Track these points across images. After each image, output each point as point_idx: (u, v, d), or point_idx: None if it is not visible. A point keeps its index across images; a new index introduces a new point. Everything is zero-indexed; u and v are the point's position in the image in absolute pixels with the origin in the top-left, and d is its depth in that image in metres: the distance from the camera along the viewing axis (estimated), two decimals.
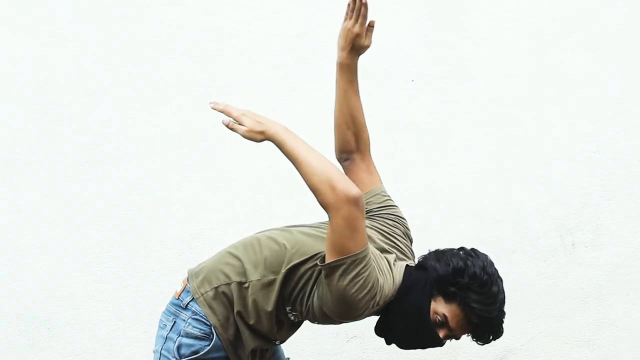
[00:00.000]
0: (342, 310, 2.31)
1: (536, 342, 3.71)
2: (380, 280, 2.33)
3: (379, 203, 2.64)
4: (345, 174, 2.66)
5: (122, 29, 3.71)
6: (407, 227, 2.63)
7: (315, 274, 2.39)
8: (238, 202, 3.68)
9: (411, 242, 2.63)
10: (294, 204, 3.61)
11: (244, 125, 2.27)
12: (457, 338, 2.43)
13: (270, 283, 2.42)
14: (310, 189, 2.23)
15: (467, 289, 2.33)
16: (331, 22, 3.74)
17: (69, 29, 3.71)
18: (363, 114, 2.66)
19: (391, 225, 2.58)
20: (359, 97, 2.64)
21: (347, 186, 2.19)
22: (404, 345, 2.48)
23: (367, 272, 2.26)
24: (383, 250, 2.48)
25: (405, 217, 2.64)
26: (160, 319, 2.54)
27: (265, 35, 3.72)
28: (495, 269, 2.39)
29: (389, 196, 2.67)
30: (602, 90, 3.72)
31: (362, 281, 2.25)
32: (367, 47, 2.59)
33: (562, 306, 3.70)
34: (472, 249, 2.43)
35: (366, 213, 2.59)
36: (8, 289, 3.67)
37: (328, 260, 2.26)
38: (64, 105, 3.69)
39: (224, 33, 3.72)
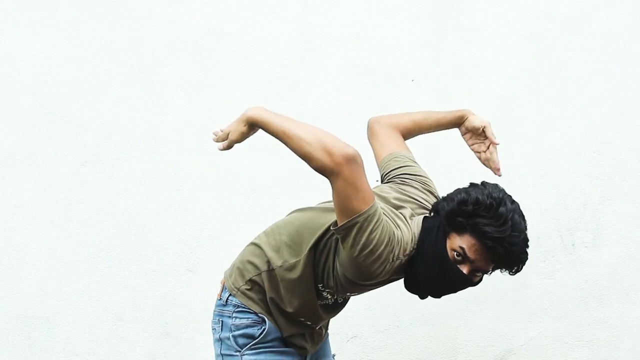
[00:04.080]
0: (364, 271, 2.28)
1: (536, 342, 3.71)
2: (397, 233, 2.30)
3: (397, 165, 2.63)
4: (372, 135, 2.75)
5: (122, 29, 3.71)
6: (427, 183, 2.60)
7: (333, 244, 2.38)
8: (238, 202, 3.68)
9: (438, 198, 2.59)
10: (294, 204, 3.61)
11: (232, 137, 2.43)
12: (485, 271, 2.36)
13: (294, 266, 2.43)
14: (304, 158, 2.22)
15: (473, 215, 2.29)
16: (331, 22, 3.74)
17: (69, 29, 3.71)
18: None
19: (406, 182, 2.57)
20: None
21: (342, 147, 2.18)
22: (436, 292, 2.43)
23: (380, 227, 2.24)
24: (397, 207, 2.45)
25: (428, 176, 2.62)
26: (211, 326, 2.59)
27: (265, 35, 3.72)
28: (504, 194, 2.34)
29: (410, 159, 2.67)
30: (602, 90, 3.72)
31: (377, 236, 2.23)
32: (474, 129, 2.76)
33: (562, 306, 3.70)
34: (482, 182, 2.41)
35: (384, 176, 2.63)
36: (8, 289, 3.67)
37: (340, 224, 2.25)
38: (64, 105, 3.69)
39: (224, 33, 3.72)
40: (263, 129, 2.32)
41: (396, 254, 2.30)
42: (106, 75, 3.70)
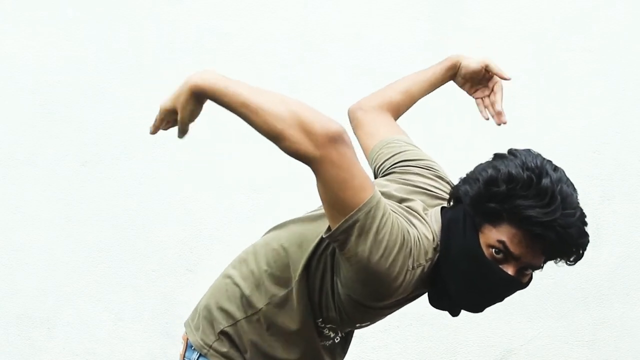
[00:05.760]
0: (378, 287, 1.73)
1: (536, 342, 3.71)
2: (412, 232, 1.76)
3: (392, 153, 2.10)
4: (357, 126, 2.23)
5: (122, 29, 3.71)
6: (434, 168, 2.06)
7: (329, 260, 1.83)
8: (238, 202, 3.68)
9: (450, 185, 2.04)
10: (294, 205, 3.61)
11: (182, 117, 1.90)
12: (536, 267, 1.80)
13: (285, 300, 1.89)
14: (273, 138, 1.68)
15: (509, 197, 1.73)
16: (331, 22, 3.74)
17: (69, 29, 3.71)
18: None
19: (408, 171, 2.03)
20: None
21: (324, 123, 1.67)
22: (475, 305, 1.89)
23: (389, 222, 1.69)
24: (402, 201, 1.90)
25: (433, 160, 2.11)
26: None
27: (265, 35, 3.72)
28: (542, 159, 1.81)
29: (408, 143, 2.14)
30: (602, 90, 3.72)
31: (387, 235, 1.69)
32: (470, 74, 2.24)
33: (562, 306, 3.70)
34: (509, 150, 1.87)
35: (378, 170, 2.11)
36: (8, 289, 3.67)
37: (334, 227, 1.69)
38: (64, 105, 3.69)
39: (224, 33, 3.72)
40: (214, 100, 1.82)
41: (416, 258, 1.75)
42: (106, 75, 3.70)
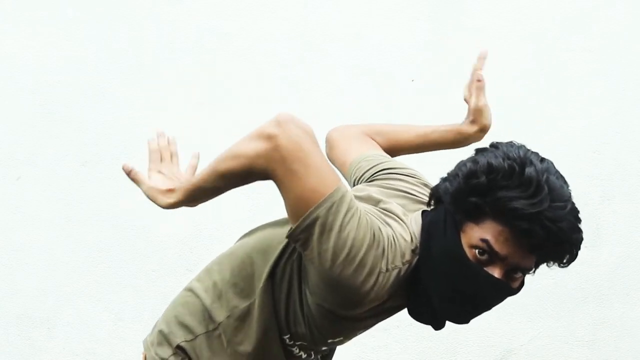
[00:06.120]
0: (347, 293, 1.56)
1: (536, 342, 3.71)
2: (386, 231, 1.62)
3: (370, 165, 1.97)
4: (331, 147, 2.13)
5: (122, 29, 3.71)
6: (417, 176, 1.97)
7: (295, 266, 1.70)
8: (238, 202, 3.67)
9: None
10: None
11: (152, 183, 1.84)
12: (526, 269, 1.69)
13: (247, 313, 1.76)
14: (252, 169, 1.62)
15: (490, 188, 1.58)
16: (331, 22, 3.75)
17: (69, 29, 3.71)
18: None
19: (390, 177, 1.91)
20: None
21: (269, 120, 1.60)
22: (459, 314, 1.70)
23: (355, 218, 1.54)
24: (378, 202, 1.76)
25: (415, 169, 2.01)
26: None
27: (265, 35, 3.72)
28: (527, 150, 1.66)
29: (386, 156, 2.04)
30: (602, 90, 3.72)
31: (353, 232, 1.53)
32: (482, 127, 2.16)
33: (562, 306, 3.70)
34: (491, 143, 1.72)
35: (357, 182, 1.99)
36: (8, 289, 3.67)
37: (294, 226, 1.57)
38: (64, 105, 3.69)
39: (224, 33, 3.72)
40: (200, 190, 1.80)
41: (390, 259, 1.59)
42: (106, 75, 3.70)
